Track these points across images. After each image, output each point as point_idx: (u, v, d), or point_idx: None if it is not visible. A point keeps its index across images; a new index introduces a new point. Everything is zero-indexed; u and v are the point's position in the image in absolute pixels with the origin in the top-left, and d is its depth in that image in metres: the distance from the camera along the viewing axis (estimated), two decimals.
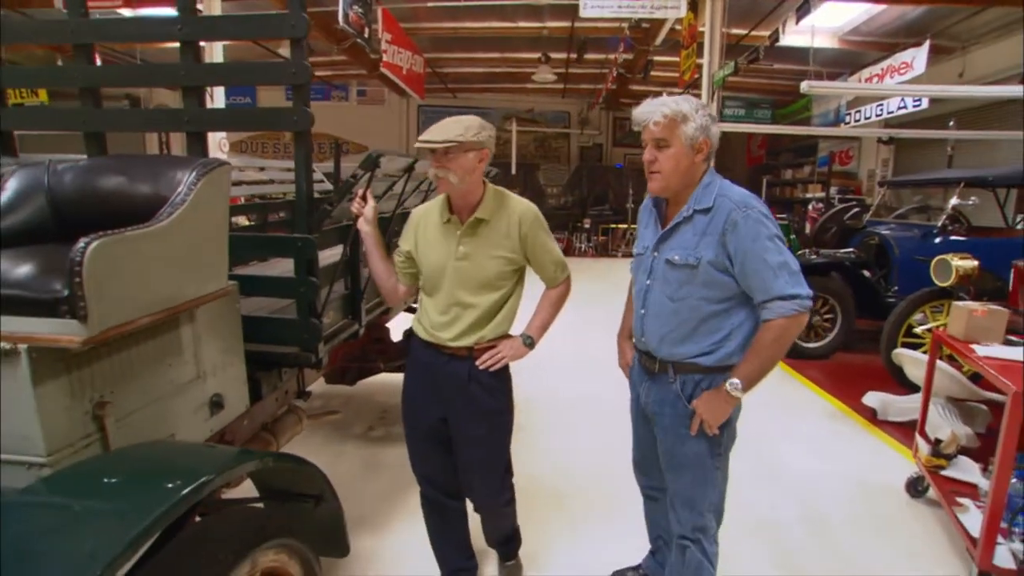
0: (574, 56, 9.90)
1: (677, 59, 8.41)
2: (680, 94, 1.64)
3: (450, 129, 1.69)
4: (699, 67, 7.45)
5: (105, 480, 1.05)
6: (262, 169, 3.05)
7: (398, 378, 3.86)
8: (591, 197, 13.28)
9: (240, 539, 1.20)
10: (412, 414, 2.00)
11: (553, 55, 10.16)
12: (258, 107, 4.49)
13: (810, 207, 9.43)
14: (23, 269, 1.20)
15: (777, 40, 6.43)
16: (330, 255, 2.14)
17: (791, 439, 3.61)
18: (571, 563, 2.38)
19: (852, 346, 5.49)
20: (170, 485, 0.99)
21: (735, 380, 1.57)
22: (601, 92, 10.99)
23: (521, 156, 13.63)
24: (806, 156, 11.63)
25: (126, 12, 6.70)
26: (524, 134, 14.05)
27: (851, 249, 5.76)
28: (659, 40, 8.59)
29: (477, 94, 13.90)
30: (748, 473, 3.11)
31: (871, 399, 4.09)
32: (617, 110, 14.69)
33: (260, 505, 1.50)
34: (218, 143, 6.64)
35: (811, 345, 5.30)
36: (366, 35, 7.88)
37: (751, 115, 7.99)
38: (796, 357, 5.25)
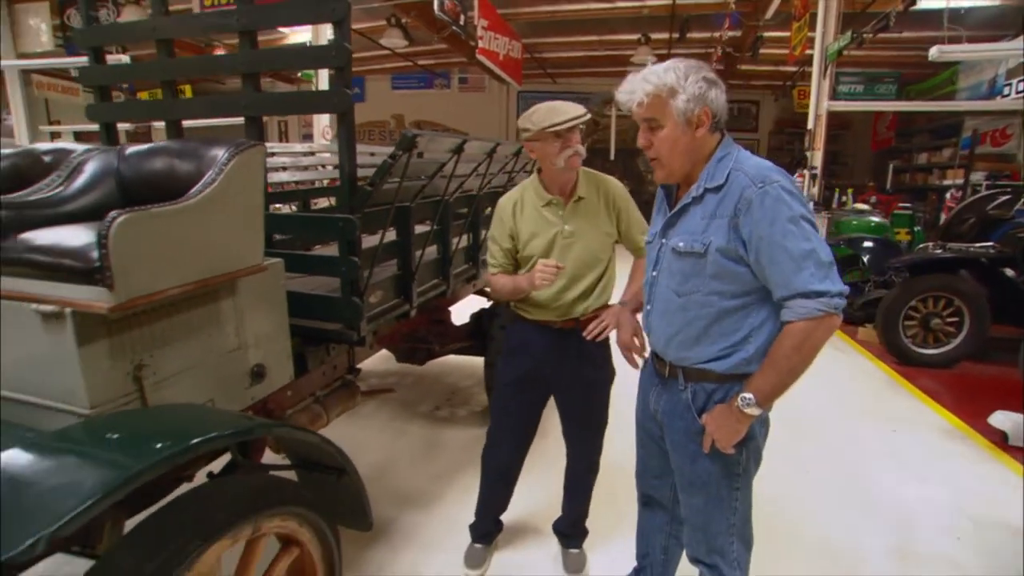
0: (676, 36, 9.40)
1: (788, 34, 7.69)
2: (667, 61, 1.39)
3: (571, 109, 1.81)
4: (811, 41, 6.75)
5: (118, 431, 1.15)
6: (312, 153, 3.18)
7: (469, 360, 4.00)
8: None
9: (245, 501, 1.27)
10: (511, 390, 2.09)
11: (654, 35, 9.71)
12: (304, 91, 4.78)
13: (948, 195, 8.26)
14: (76, 241, 1.33)
15: (913, 3, 5.60)
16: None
17: (891, 458, 3.20)
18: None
19: (986, 356, 4.76)
20: (167, 443, 1.06)
21: (747, 395, 1.33)
22: None
23: (620, 141, 13.20)
24: (946, 137, 10.16)
25: None
26: (623, 119, 13.60)
27: (991, 243, 4.97)
28: (769, 13, 7.89)
29: (576, 78, 13.66)
30: (835, 493, 2.82)
31: (1001, 420, 3.50)
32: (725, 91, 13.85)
33: (279, 474, 1.57)
34: (321, 131, 7.11)
35: (928, 351, 4.66)
36: (462, 22, 8.00)
37: (871, 91, 7.05)
38: (908, 363, 4.64)
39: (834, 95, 6.79)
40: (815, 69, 6.77)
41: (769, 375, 1.32)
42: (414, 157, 1.88)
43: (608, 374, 2.08)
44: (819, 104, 6.79)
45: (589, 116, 1.84)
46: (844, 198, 7.42)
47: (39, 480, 0.98)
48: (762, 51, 9.38)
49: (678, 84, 1.34)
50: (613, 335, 1.94)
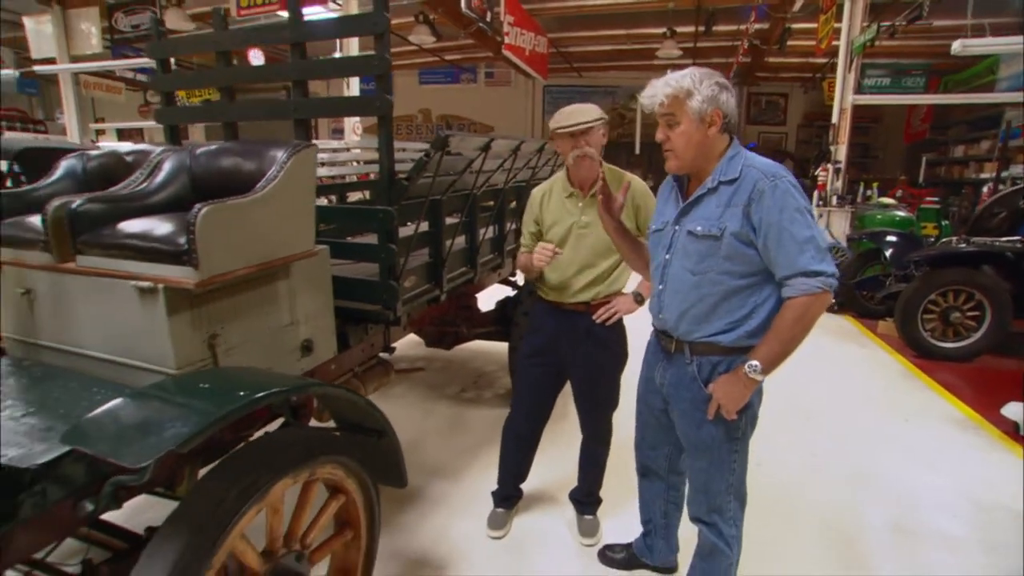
0: (702, 29, 9.41)
1: (816, 25, 7.66)
2: (688, 68, 1.57)
3: (584, 113, 2.00)
4: (838, 32, 6.73)
5: (207, 384, 1.39)
6: (347, 149, 3.41)
7: (495, 346, 4.22)
8: None
9: (303, 448, 1.50)
10: (528, 363, 2.32)
11: (680, 29, 9.73)
12: (349, 96, 5.07)
13: (985, 189, 8.12)
14: (164, 229, 1.58)
15: None
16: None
17: (898, 445, 3.31)
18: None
19: (1008, 350, 4.77)
20: (244, 393, 1.29)
21: (754, 362, 1.51)
22: (732, 66, 10.29)
23: (646, 135, 13.24)
24: (985, 129, 9.93)
25: (283, 14, 7.65)
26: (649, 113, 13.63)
27: (1019, 237, 4.96)
28: (797, 5, 7.86)
29: (602, 72, 13.70)
30: (839, 476, 2.96)
31: (1014, 410, 3.57)
32: (752, 85, 13.69)
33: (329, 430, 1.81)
34: (352, 128, 7.38)
35: (947, 344, 4.70)
36: (488, 19, 8.17)
37: (898, 84, 6.97)
38: (927, 356, 4.70)
39: (859, 88, 6.75)
40: (840, 62, 6.76)
41: (773, 344, 1.50)
42: (446, 155, 2.08)
43: (616, 357, 2.24)
44: (844, 98, 6.79)
45: (600, 121, 2.02)
46: (869, 192, 7.38)
47: (155, 415, 1.22)
48: (790, 43, 9.30)
49: (694, 87, 1.52)
50: (628, 320, 2.13)
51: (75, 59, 9.46)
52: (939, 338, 4.74)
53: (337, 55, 6.31)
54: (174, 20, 8.54)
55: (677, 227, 1.64)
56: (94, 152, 2.11)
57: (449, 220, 2.73)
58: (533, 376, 2.32)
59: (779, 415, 3.65)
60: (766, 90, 14.09)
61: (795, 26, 8.87)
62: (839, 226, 6.81)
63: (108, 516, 1.61)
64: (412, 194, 2.24)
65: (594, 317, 2.08)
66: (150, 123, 13.34)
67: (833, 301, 6.00)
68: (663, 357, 1.75)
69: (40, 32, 9.36)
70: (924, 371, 4.48)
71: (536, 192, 2.26)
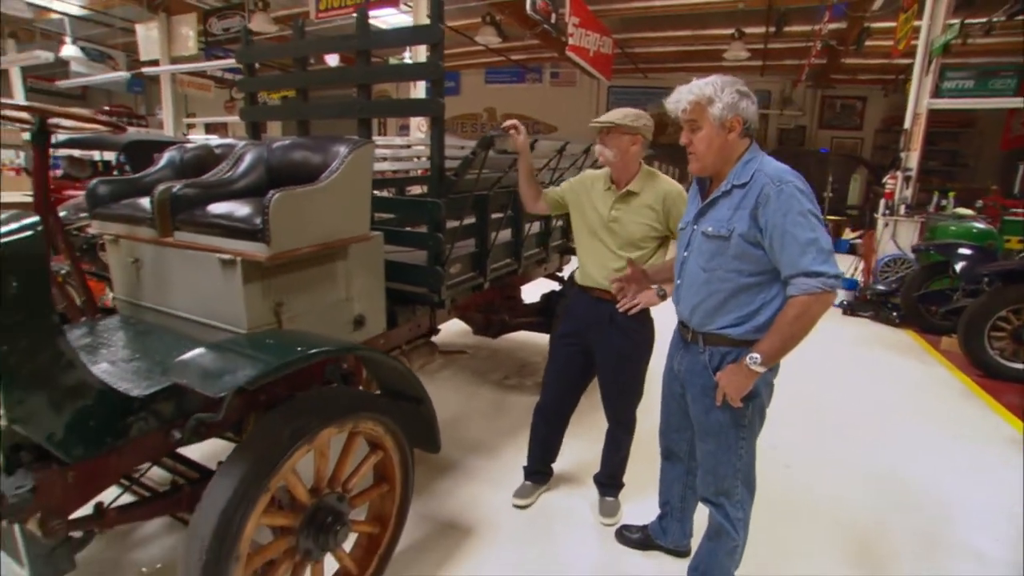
0: (772, 30, 9.17)
1: (896, 24, 7.32)
2: (712, 76, 1.67)
3: (612, 115, 2.17)
4: (918, 31, 6.42)
5: (273, 340, 1.66)
6: (408, 147, 3.66)
7: (539, 338, 4.41)
8: None
9: (349, 402, 1.75)
10: (560, 342, 2.50)
11: (749, 30, 9.52)
12: (407, 99, 5.37)
13: None
14: (244, 211, 1.85)
15: None
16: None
17: (942, 458, 3.22)
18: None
19: None
20: (304, 347, 1.55)
21: (755, 355, 1.59)
22: (804, 68, 9.96)
23: None
24: None
25: (355, 15, 8.12)
26: None
27: None
28: (878, 4, 7.53)
29: (668, 74, 13.53)
30: (873, 483, 2.94)
31: None
32: (826, 87, 13.11)
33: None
34: (417, 125, 7.74)
35: (1018, 365, 4.45)
36: (553, 20, 8.31)
37: (984, 86, 6.51)
38: (993, 376, 4.46)
39: (937, 91, 6.42)
40: (917, 64, 6.45)
41: (774, 339, 1.59)
42: (500, 153, 2.28)
43: (639, 346, 2.35)
44: (919, 102, 6.47)
45: (613, 123, 2.16)
46: (944, 202, 7.00)
47: (230, 361, 1.48)
48: (869, 43, 8.90)
49: (715, 95, 1.63)
50: (655, 312, 2.26)
51: (174, 60, 10.40)
52: (1009, 358, 4.49)
53: (407, 57, 6.69)
54: (260, 23, 9.23)
55: (695, 227, 1.76)
56: (189, 145, 2.45)
57: (497, 215, 2.93)
58: (562, 357, 2.48)
59: (820, 424, 3.64)
60: (842, 93, 13.45)
61: (874, 25, 8.49)
62: (906, 237, 6.52)
63: (190, 454, 1.92)
64: (460, 189, 2.45)
65: (617, 306, 2.23)
66: (234, 118, 14.44)
67: (895, 315, 5.80)
68: (681, 345, 1.89)
69: (148, 37, 10.36)
70: (988, 391, 4.27)
71: (589, 173, 2.45)
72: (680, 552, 2.25)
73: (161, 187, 1.99)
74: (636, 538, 2.34)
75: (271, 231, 1.71)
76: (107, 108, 14.94)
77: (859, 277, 6.91)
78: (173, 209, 1.97)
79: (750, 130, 1.67)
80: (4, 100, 1.98)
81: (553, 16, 8.38)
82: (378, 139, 4.30)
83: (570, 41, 8.32)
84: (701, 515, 2.10)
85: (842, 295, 6.58)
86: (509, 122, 2.33)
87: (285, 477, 1.58)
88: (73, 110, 2.13)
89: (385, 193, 3.96)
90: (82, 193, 6.13)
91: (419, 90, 7.03)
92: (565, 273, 3.97)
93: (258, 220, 1.74)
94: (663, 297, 2.21)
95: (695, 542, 2.22)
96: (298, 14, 10.41)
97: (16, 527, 1.39)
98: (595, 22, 9.18)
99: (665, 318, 2.32)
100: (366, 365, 2.11)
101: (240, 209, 1.88)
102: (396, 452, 1.99)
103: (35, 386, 1.31)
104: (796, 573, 2.26)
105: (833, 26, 8.70)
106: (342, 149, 1.97)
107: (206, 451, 2.45)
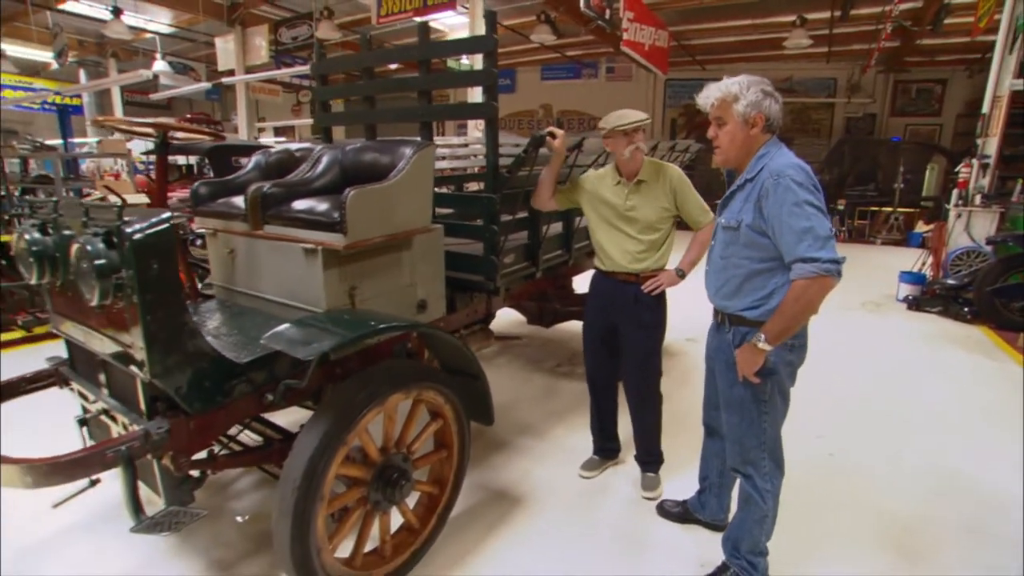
0: (838, 14, 8.84)
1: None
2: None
3: (633, 115, 2.41)
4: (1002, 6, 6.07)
5: (349, 316, 1.92)
6: (466, 145, 3.88)
7: None
8: (852, 175, 11.64)
9: (414, 372, 2.00)
10: (591, 325, 2.73)
11: (813, 16, 9.23)
12: (465, 103, 5.60)
13: None
14: (323, 206, 2.12)
15: None
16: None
17: (999, 458, 3.15)
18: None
19: None
20: (376, 323, 1.81)
21: (761, 334, 1.73)
22: (873, 53, 9.52)
23: None
24: None
25: (416, 19, 8.47)
26: None
27: None
28: None
29: (727, 64, 13.25)
30: (923, 476, 2.93)
31: None
32: (900, 71, 12.43)
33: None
34: (475, 124, 8.01)
35: None
36: (607, 16, 8.37)
37: None
38: None
39: (1022, 71, 6.05)
40: (999, 41, 6.10)
41: (777, 320, 1.72)
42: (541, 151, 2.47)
43: (658, 323, 2.59)
44: (1000, 83, 6.13)
45: (648, 119, 2.35)
46: None
47: (315, 332, 1.75)
48: (949, 21, 8.37)
49: (740, 93, 1.78)
50: (671, 292, 2.47)
51: (248, 69, 11.16)
52: None
53: (464, 60, 6.95)
54: (325, 31, 9.79)
55: (719, 219, 1.94)
56: (272, 150, 2.77)
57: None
58: (593, 332, 2.72)
59: (870, 416, 3.62)
60: (918, 76, 12.72)
61: (955, 0, 7.99)
62: (981, 228, 6.20)
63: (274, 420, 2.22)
64: (513, 184, 2.66)
65: (642, 287, 2.45)
66: (301, 121, 15.31)
67: (966, 310, 5.56)
68: (713, 326, 2.06)
69: (226, 49, 11.17)
70: None
71: (596, 171, 2.71)
72: (717, 526, 2.37)
73: (252, 187, 2.29)
74: (676, 512, 2.48)
75: (348, 223, 1.97)
76: (188, 116, 16.16)
77: (927, 271, 6.62)
78: (263, 206, 2.27)
79: (772, 127, 1.80)
80: (136, 119, 2.35)
81: (607, 12, 8.43)
82: (437, 140, 4.58)
83: (625, 36, 8.33)
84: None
85: (907, 290, 6.34)
86: (548, 129, 2.55)
87: (359, 435, 1.83)
88: (186, 124, 2.48)
89: (444, 189, 4.23)
90: (175, 194, 6.78)
91: (476, 94, 7.28)
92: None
93: (336, 214, 2.00)
94: (682, 276, 2.47)
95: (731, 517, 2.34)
96: (360, 20, 10.99)
97: (155, 463, 1.71)
98: (650, 16, 9.15)
99: (681, 299, 2.51)
100: (428, 342, 2.35)
101: (320, 205, 2.15)
102: (454, 422, 2.22)
103: (169, 349, 1.62)
104: (834, 557, 2.32)
105: (906, 5, 8.30)
106: (407, 151, 2.21)
107: (287, 419, 2.78)
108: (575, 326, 4.57)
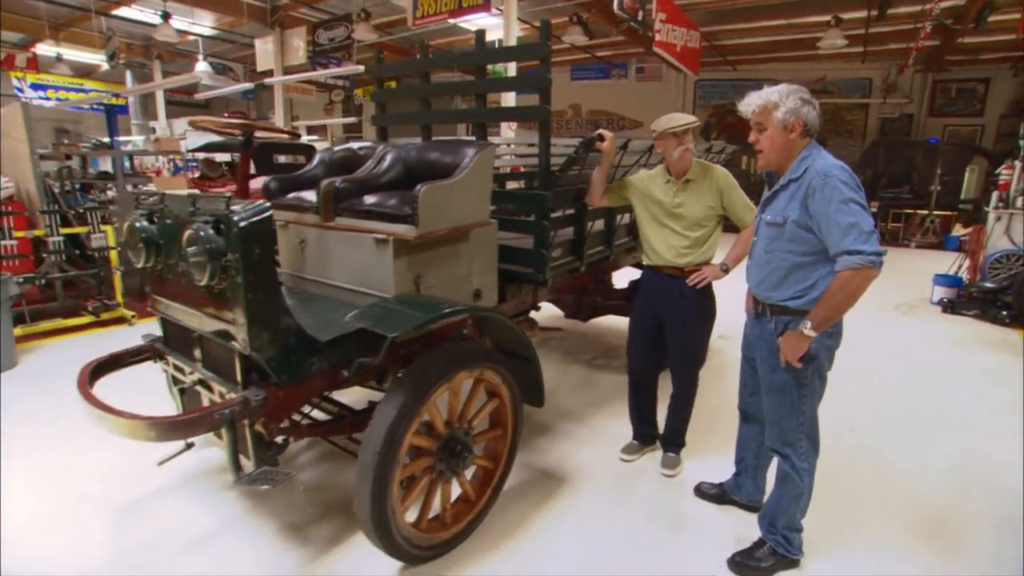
0: (875, 13, 8.76)
1: None
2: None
3: (682, 118, 2.55)
4: None
5: (410, 301, 2.10)
6: (507, 145, 4.08)
7: (624, 324, 4.68)
8: (886, 177, 11.48)
9: (477, 352, 2.17)
10: (637, 319, 2.87)
11: (848, 15, 9.16)
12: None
13: None
14: (393, 200, 2.31)
15: None
16: None
17: None
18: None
19: None
20: (444, 308, 1.98)
21: (807, 322, 1.86)
22: (911, 52, 9.40)
23: None
24: None
25: (452, 21, 8.64)
26: None
27: None
28: None
29: (760, 64, 13.19)
30: (953, 465, 3.00)
31: None
32: (939, 71, 12.19)
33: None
34: (506, 124, 8.18)
35: None
36: (640, 18, 8.45)
37: None
38: None
39: None
40: None
41: (822, 309, 1.85)
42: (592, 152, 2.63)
43: (704, 315, 2.71)
44: None
45: (697, 122, 2.47)
46: None
47: (395, 313, 1.94)
48: (993, 18, 8.18)
49: (780, 100, 1.92)
50: (716, 286, 2.60)
51: (285, 69, 11.53)
52: None
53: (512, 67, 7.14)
54: (362, 32, 10.08)
55: (761, 215, 2.07)
56: (337, 148, 2.98)
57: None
58: (640, 324, 2.85)
59: (902, 411, 3.69)
60: (958, 76, 12.45)
61: None
62: (1022, 231, 6.14)
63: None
64: (563, 183, 2.82)
65: (688, 280, 2.58)
66: (333, 120, 15.70)
67: (1004, 313, 5.53)
68: (754, 316, 2.18)
69: (265, 50, 11.56)
70: None
71: (647, 171, 2.85)
72: (753, 507, 2.50)
73: (325, 183, 2.50)
74: (713, 493, 2.61)
75: (419, 215, 2.15)
76: (227, 114, 16.71)
77: (963, 274, 6.58)
78: (335, 199, 2.47)
79: (810, 131, 1.94)
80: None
81: (640, 13, 8.52)
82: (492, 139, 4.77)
83: (657, 37, 8.39)
84: (773, 474, 2.36)
85: (942, 292, 6.31)
86: (598, 131, 2.71)
87: (428, 410, 2.02)
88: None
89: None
90: (216, 189, 7.10)
91: (509, 98, 7.44)
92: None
93: (407, 207, 2.19)
94: (726, 271, 2.58)
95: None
96: (395, 22, 11.27)
97: (247, 428, 1.92)
98: (682, 17, 9.19)
99: (726, 292, 2.68)
100: (487, 327, 2.52)
101: (390, 199, 2.34)
102: (510, 403, 2.39)
103: (266, 325, 1.82)
104: (865, 539, 2.43)
105: (946, 4, 8.16)
106: (470, 150, 2.39)
107: (348, 399, 2.98)
108: (610, 321, 4.75)
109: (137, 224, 2.09)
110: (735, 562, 2.20)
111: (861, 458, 3.06)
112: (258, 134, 2.88)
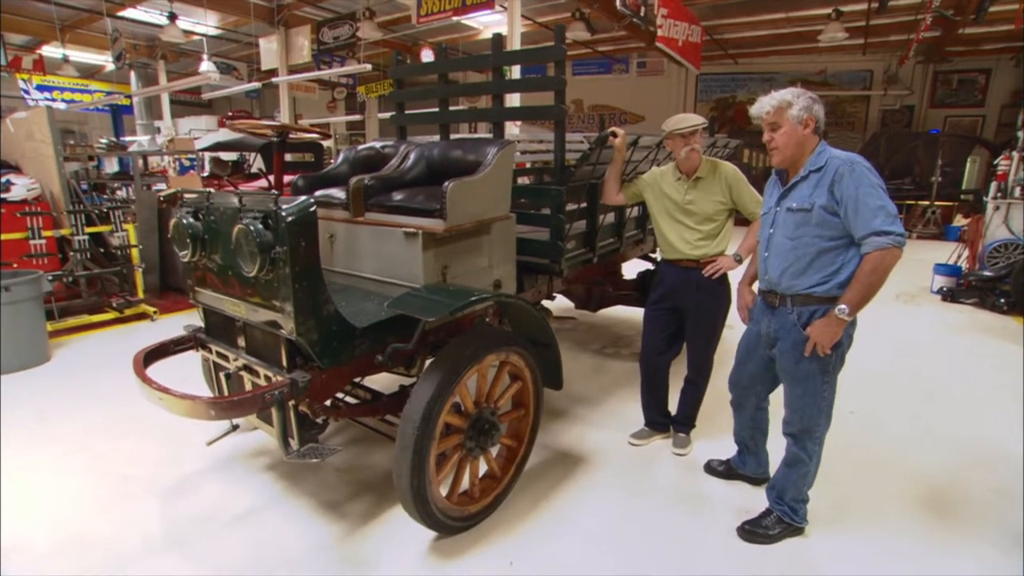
0: (875, 6, 8.86)
1: None
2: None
3: (691, 119, 2.69)
4: None
5: (441, 289, 2.24)
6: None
7: (632, 316, 4.85)
8: (887, 168, 11.58)
9: (503, 336, 2.32)
10: (654, 311, 2.99)
11: (849, 8, 9.26)
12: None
13: None
14: (421, 196, 2.46)
15: None
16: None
17: None
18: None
19: None
20: (470, 295, 2.13)
21: (843, 306, 1.95)
22: (912, 43, 9.49)
23: None
24: None
25: (456, 19, 8.75)
26: None
27: None
28: None
29: (761, 58, 13.28)
30: (959, 445, 3.15)
31: None
32: (940, 61, 12.28)
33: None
34: (511, 122, 8.30)
35: None
36: (642, 13, 8.57)
37: None
38: None
39: None
40: None
41: (856, 290, 1.95)
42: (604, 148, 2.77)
43: (721, 304, 2.85)
44: None
45: (705, 123, 2.61)
46: None
47: (431, 300, 2.09)
48: (994, 8, 8.28)
49: (793, 99, 2.06)
50: (731, 274, 2.73)
51: (290, 68, 11.65)
52: None
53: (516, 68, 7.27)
54: (367, 31, 10.19)
55: (778, 208, 2.16)
56: (361, 147, 3.12)
57: None
58: (656, 316, 2.98)
59: (904, 391, 3.84)
60: (960, 67, 12.53)
61: None
62: (1020, 220, 6.27)
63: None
64: (576, 178, 2.96)
65: (703, 272, 2.72)
66: (336, 118, 15.81)
67: (1002, 301, 5.67)
68: (769, 312, 2.25)
69: (269, 49, 11.68)
70: None
71: (658, 169, 2.99)
72: (758, 479, 2.66)
73: (354, 180, 2.65)
74: (721, 469, 2.78)
75: (448, 210, 2.30)
76: (231, 112, 16.85)
77: (963, 264, 6.71)
78: (365, 196, 2.62)
79: (820, 129, 2.07)
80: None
81: (642, 8, 8.63)
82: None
83: (659, 32, 8.49)
84: (773, 443, 2.56)
85: (942, 281, 6.45)
86: (611, 129, 2.84)
87: (460, 391, 2.17)
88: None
89: None
90: (230, 188, 7.25)
91: (513, 98, 7.57)
92: (659, 255, 4.42)
93: (436, 204, 2.34)
94: (739, 261, 2.72)
95: (772, 468, 2.62)
96: (399, 20, 11.38)
97: (291, 408, 2.07)
98: (684, 11, 9.29)
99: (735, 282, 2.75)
100: (510, 314, 2.67)
101: (418, 195, 2.49)
102: (531, 385, 2.55)
103: (311, 312, 1.97)
104: (869, 509, 2.58)
105: None
106: (492, 148, 2.54)
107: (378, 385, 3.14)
108: (618, 312, 4.91)
109: (184, 221, 2.24)
110: (744, 530, 2.36)
111: (862, 436, 3.22)
112: (291, 135, 3.03)
